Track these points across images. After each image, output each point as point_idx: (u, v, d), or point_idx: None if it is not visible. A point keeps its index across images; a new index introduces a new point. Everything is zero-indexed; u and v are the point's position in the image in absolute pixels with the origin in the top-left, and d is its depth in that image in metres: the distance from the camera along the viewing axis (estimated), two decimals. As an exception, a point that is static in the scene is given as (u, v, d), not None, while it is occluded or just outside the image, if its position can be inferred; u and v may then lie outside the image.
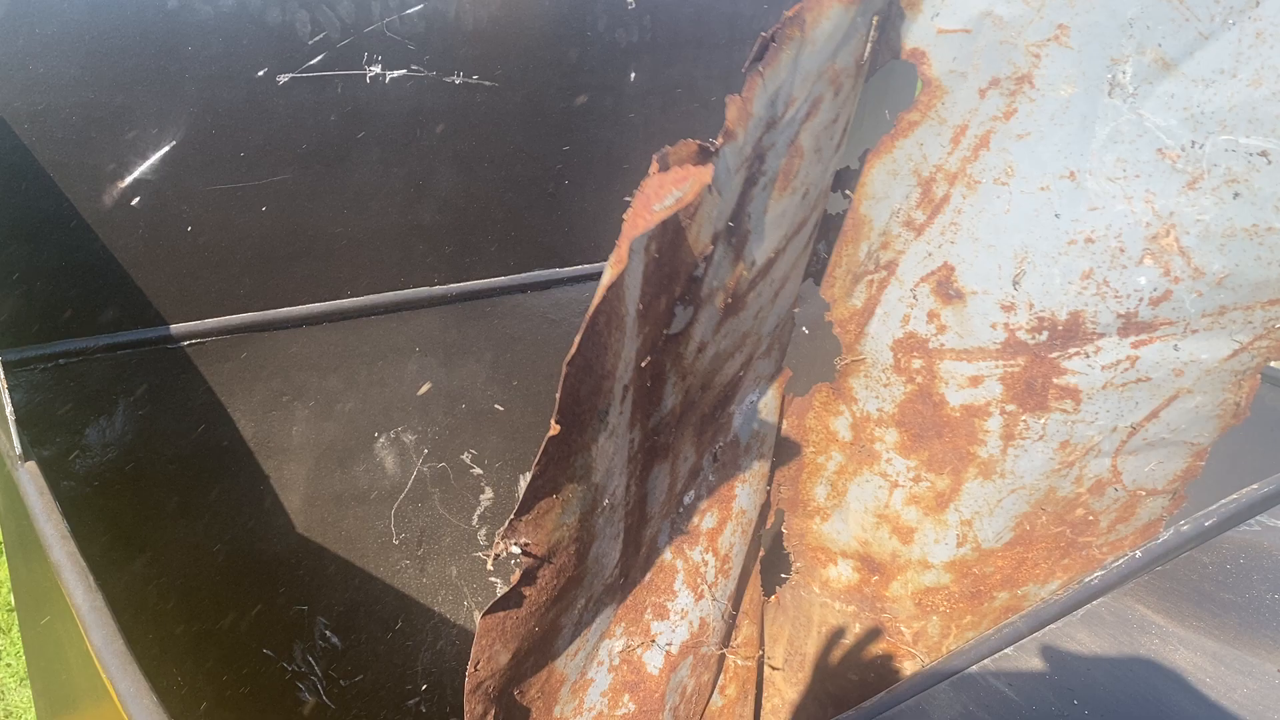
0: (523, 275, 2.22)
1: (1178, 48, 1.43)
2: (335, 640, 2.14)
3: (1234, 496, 1.61)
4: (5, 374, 1.46)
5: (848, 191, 1.76)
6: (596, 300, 1.08)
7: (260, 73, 1.79)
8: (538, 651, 1.54)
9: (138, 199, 1.75)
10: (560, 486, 1.34)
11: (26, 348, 1.71)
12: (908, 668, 2.07)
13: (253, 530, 2.00)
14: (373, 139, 1.95)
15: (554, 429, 1.16)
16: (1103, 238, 1.58)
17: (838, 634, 2.14)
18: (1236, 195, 1.46)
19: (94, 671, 1.10)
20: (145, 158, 1.74)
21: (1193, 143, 1.46)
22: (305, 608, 2.09)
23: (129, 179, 1.73)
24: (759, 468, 2.02)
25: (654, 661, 1.88)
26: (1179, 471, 1.72)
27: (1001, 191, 1.62)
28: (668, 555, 1.90)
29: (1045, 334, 1.68)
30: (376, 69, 1.91)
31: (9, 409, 1.46)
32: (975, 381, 1.79)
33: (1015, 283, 1.68)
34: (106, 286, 1.77)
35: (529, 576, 1.38)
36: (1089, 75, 1.52)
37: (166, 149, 1.75)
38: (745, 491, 2.01)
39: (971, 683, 1.14)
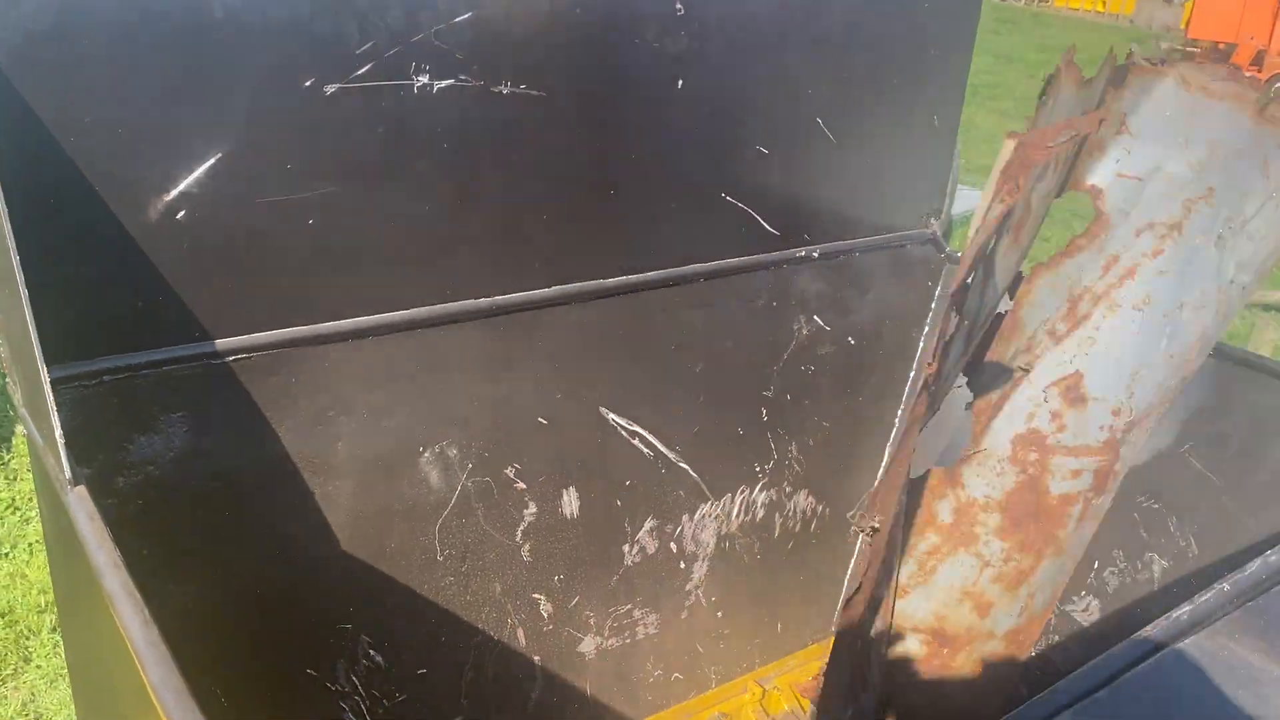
0: (569, 287, 2.18)
1: (1253, 210, 1.81)
2: (378, 659, 2.10)
3: None
4: (52, 392, 1.44)
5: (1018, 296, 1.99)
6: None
7: (308, 83, 1.76)
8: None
9: (183, 212, 1.72)
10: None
11: (70, 364, 1.68)
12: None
13: (297, 547, 1.97)
14: (420, 150, 1.92)
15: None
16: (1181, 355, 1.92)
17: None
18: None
19: (149, 704, 1.07)
20: (191, 171, 1.71)
21: (1232, 282, 1.85)
22: (349, 626, 2.06)
23: (174, 192, 1.70)
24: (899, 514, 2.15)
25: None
26: None
27: (1137, 316, 1.86)
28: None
29: (1131, 432, 1.92)
30: (424, 79, 1.87)
31: (58, 430, 1.43)
32: (1076, 474, 1.97)
33: (1130, 393, 1.90)
34: (151, 301, 1.74)
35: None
36: (1215, 229, 1.81)
37: (212, 161, 1.72)
38: (898, 531, 2.18)
39: (1064, 732, 1.09)
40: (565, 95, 2.03)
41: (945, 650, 2.17)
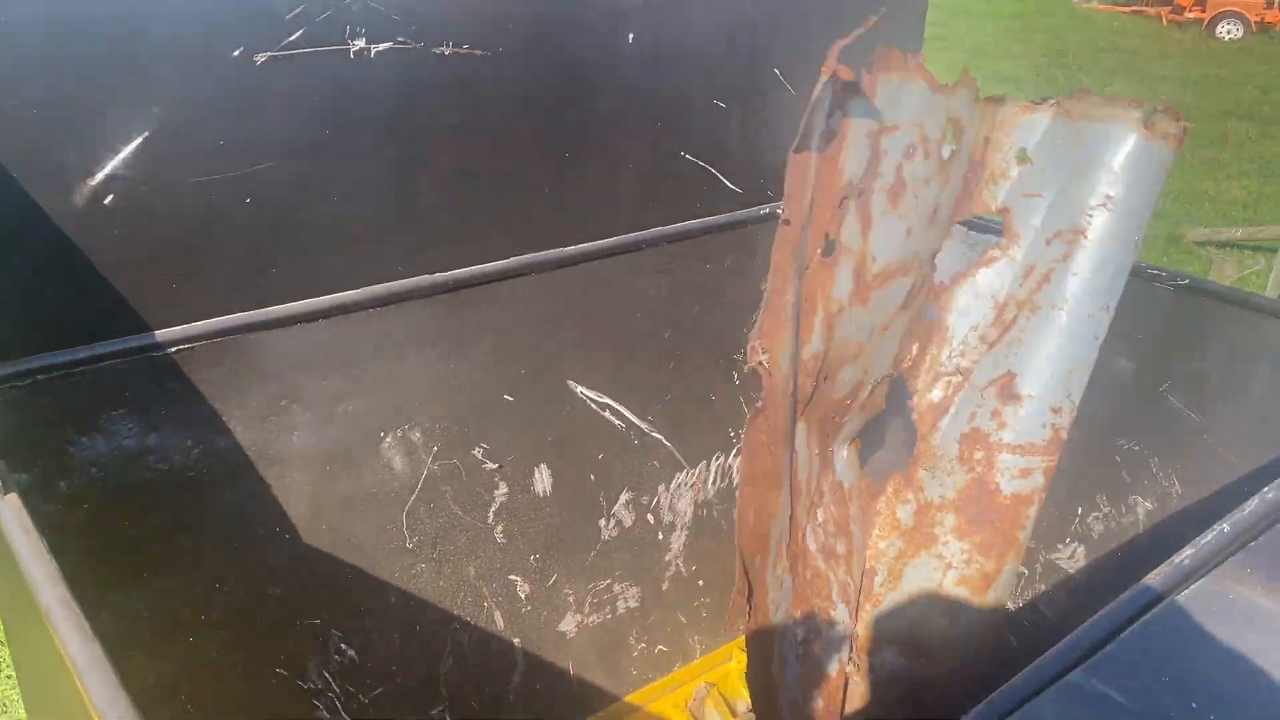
0: (526, 257, 2.09)
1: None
2: (351, 653, 2.03)
3: None
4: (-21, 396, 1.34)
5: (936, 303, 2.18)
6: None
7: (236, 53, 1.65)
8: (762, 548, 1.97)
9: (111, 197, 1.61)
10: (780, 299, 1.81)
11: (-1, 365, 1.58)
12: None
13: (257, 544, 1.88)
14: (361, 119, 1.82)
15: (784, 218, 1.75)
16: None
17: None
18: None
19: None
20: (116, 152, 1.60)
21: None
22: (318, 621, 1.98)
23: (100, 176, 1.60)
24: (860, 517, 2.30)
25: (831, 665, 2.25)
26: None
27: (1059, 317, 2.05)
28: (820, 563, 2.22)
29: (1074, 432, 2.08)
30: (361, 42, 1.77)
31: (-14, 436, 1.33)
32: (1025, 473, 2.12)
33: (1067, 391, 2.05)
34: (83, 294, 1.64)
35: (768, 400, 1.85)
36: (1124, 235, 2.00)
37: (139, 141, 1.61)
38: (859, 535, 2.30)
39: (1075, 691, 1.03)
40: (511, 55, 1.94)
41: (921, 661, 2.27)
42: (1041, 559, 2.39)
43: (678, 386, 2.40)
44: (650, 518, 2.45)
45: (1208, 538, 1.26)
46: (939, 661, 2.25)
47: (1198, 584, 1.19)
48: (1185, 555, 1.23)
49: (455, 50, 1.87)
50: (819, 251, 1.88)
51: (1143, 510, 2.24)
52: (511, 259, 2.07)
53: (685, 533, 2.53)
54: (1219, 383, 2.19)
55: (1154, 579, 1.20)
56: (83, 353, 1.65)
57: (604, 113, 2.11)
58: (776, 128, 2.40)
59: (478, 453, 2.12)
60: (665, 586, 2.54)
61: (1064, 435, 2.08)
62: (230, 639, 1.88)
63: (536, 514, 2.24)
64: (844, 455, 2.24)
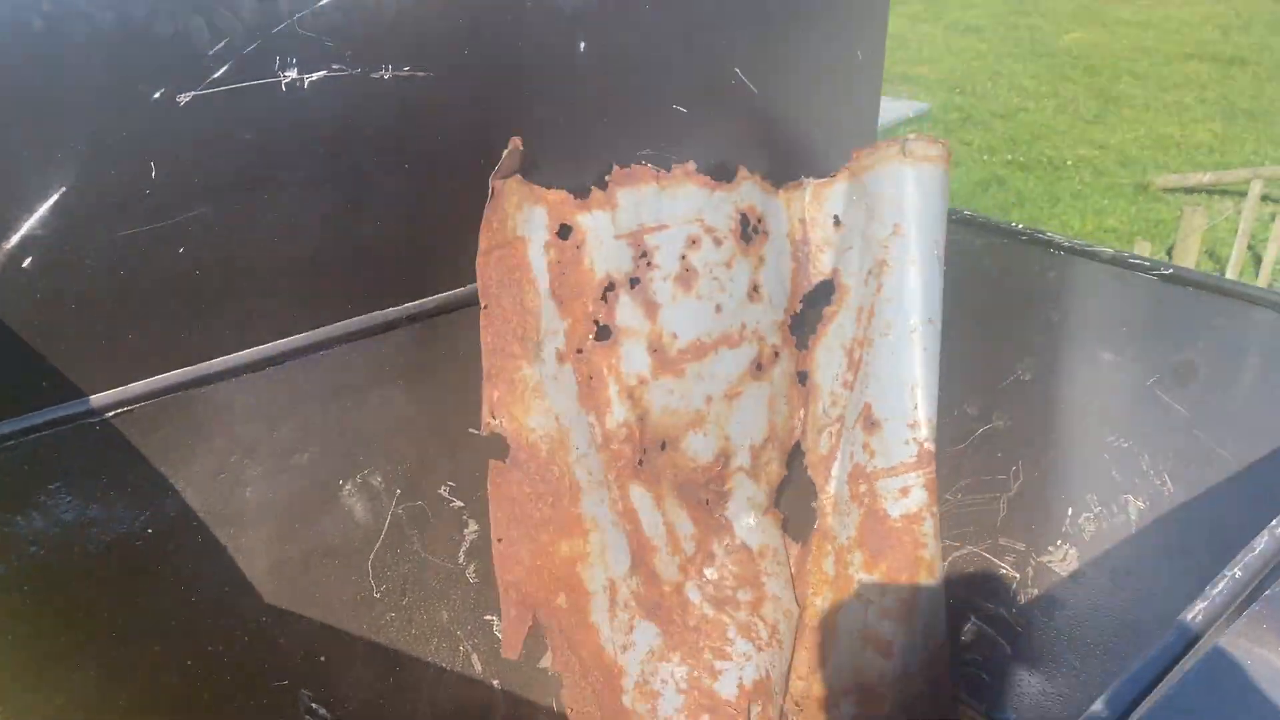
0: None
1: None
2: (324, 713, 1.94)
3: None
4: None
5: (804, 370, 2.42)
6: (485, 219, 1.88)
7: (157, 94, 1.53)
8: (569, 590, 2.08)
9: (30, 259, 1.50)
10: (512, 375, 1.97)
11: (-80, 447, 1.47)
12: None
13: (215, 609, 1.78)
14: (298, 154, 1.70)
15: (482, 304, 1.91)
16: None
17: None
18: None
19: None
20: (32, 210, 1.48)
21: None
22: (285, 683, 1.88)
23: (15, 238, 1.48)
24: (782, 573, 2.43)
25: (727, 691, 2.28)
26: None
27: (886, 342, 2.24)
28: (709, 611, 2.31)
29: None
30: (293, 73, 1.65)
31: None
32: (904, 492, 2.26)
33: (914, 404, 2.22)
34: (4, 364, 1.52)
35: (519, 457, 1.99)
36: (920, 253, 2.20)
37: (56, 197, 1.49)
38: (777, 584, 2.42)
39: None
40: (454, 74, 1.82)
41: (872, 703, 2.37)
42: (1033, 562, 2.33)
43: (650, 404, 2.30)
44: (629, 541, 2.36)
45: (1217, 589, 1.18)
46: (884, 699, 2.36)
47: (1208, 642, 1.11)
48: (1197, 610, 1.16)
49: (395, 73, 1.76)
50: (589, 338, 2.04)
51: (1135, 510, 2.18)
52: (466, 286, 1.97)
53: (666, 553, 2.45)
54: (1208, 375, 2.12)
55: (1165, 639, 1.13)
56: (9, 426, 1.54)
57: (557, 127, 2.00)
58: (739, 129, 2.29)
59: (444, 491, 2.03)
60: (648, 610, 2.46)
61: (929, 447, 2.21)
62: (194, 711, 1.78)
63: (510, 549, 2.15)
64: (750, 522, 2.39)
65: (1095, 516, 2.24)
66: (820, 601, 2.44)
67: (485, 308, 1.91)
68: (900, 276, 2.20)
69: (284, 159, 1.69)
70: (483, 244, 1.88)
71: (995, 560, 2.40)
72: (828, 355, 2.38)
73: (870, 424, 2.26)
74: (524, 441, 1.97)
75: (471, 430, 2.03)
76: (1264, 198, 7.43)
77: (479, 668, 2.14)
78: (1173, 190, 9.62)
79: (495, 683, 2.18)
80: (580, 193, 2.02)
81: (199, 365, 1.70)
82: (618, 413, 2.11)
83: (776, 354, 2.34)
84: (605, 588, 2.12)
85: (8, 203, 1.46)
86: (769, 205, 2.29)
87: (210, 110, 1.59)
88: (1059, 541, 2.29)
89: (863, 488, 2.28)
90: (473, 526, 2.08)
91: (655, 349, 2.14)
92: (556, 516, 2.02)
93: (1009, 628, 2.36)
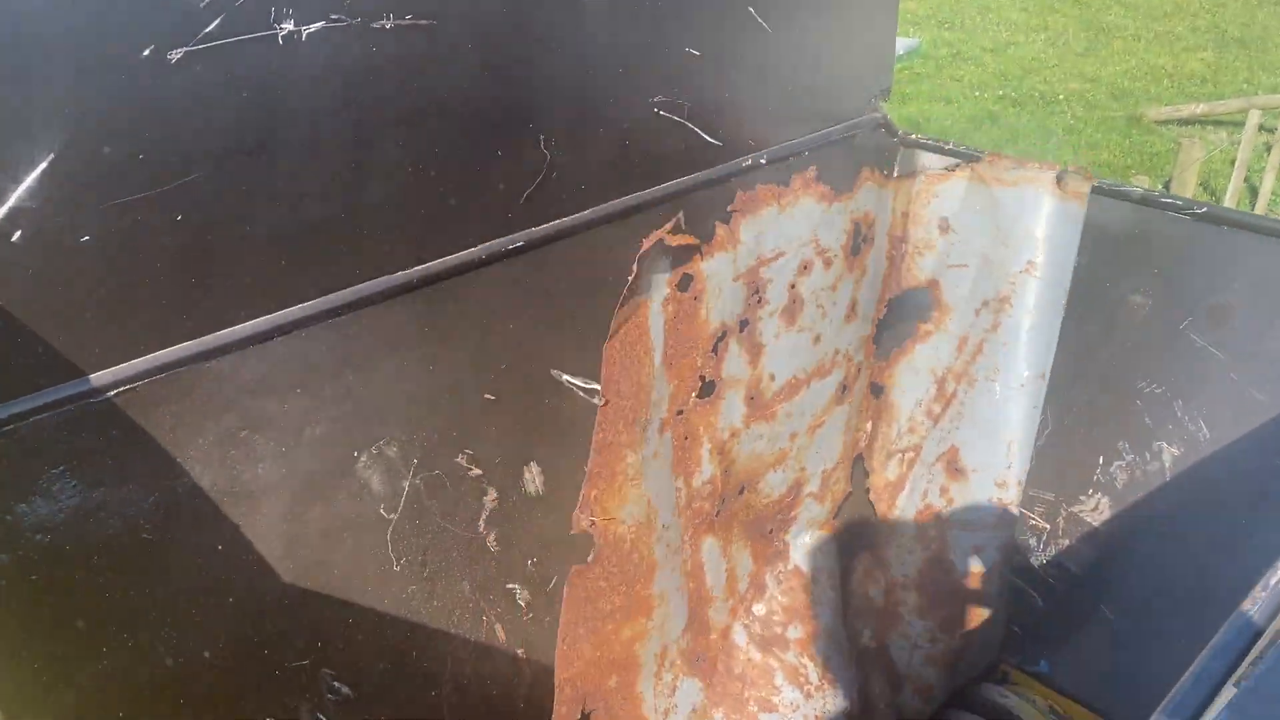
0: (496, 243, 1.90)
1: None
2: (345, 690, 1.88)
3: None
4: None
5: (881, 382, 2.24)
6: (622, 300, 1.74)
7: (146, 52, 1.43)
8: (621, 669, 1.97)
9: (19, 233, 1.40)
10: (615, 467, 1.88)
11: (-85, 435, 1.38)
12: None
13: (230, 590, 1.71)
14: (296, 112, 1.61)
15: (602, 400, 1.78)
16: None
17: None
18: None
19: None
20: (18, 181, 1.38)
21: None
22: (306, 662, 1.82)
23: (3, 210, 1.38)
24: (833, 600, 2.28)
25: None
26: None
27: (991, 387, 2.09)
28: (755, 655, 2.17)
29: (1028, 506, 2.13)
30: (289, 25, 1.55)
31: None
32: (978, 550, 2.15)
33: (1008, 463, 2.09)
34: (1, 343, 1.43)
35: (603, 553, 1.90)
36: (1050, 299, 2.04)
37: (44, 165, 1.40)
38: (826, 614, 2.29)
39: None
40: (460, 21, 1.72)
41: None
42: (1064, 512, 2.28)
43: (668, 361, 2.23)
44: (650, 503, 2.30)
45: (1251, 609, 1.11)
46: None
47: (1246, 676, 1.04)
48: (1257, 602, 1.09)
49: (397, 22, 1.65)
50: (692, 396, 1.94)
51: (1169, 457, 2.13)
52: (480, 246, 1.88)
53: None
54: (1244, 316, 2.06)
55: (1195, 667, 1.05)
56: (6, 410, 1.45)
57: (568, 74, 1.90)
58: (754, 71, 2.19)
59: (462, 460, 1.96)
60: (670, 571, 2.41)
61: (1014, 510, 2.12)
62: (211, 694, 1.73)
63: (530, 516, 2.09)
64: (807, 541, 2.24)
65: (1127, 465, 2.19)
66: (863, 627, 2.34)
67: (606, 403, 1.83)
68: (1021, 320, 2.04)
69: (283, 118, 1.59)
70: (613, 326, 1.79)
71: (1025, 511, 2.35)
72: (913, 377, 2.20)
73: (955, 470, 2.13)
74: (611, 536, 1.89)
75: (488, 396, 1.95)
76: (1260, 127, 7.34)
77: (503, 638, 2.09)
78: (1165, 122, 9.51)
79: (520, 652, 2.13)
80: (705, 236, 1.95)
81: (203, 338, 1.61)
82: (706, 470, 1.99)
83: (859, 370, 2.21)
84: (657, 655, 2.03)
85: (-7, 173, 1.36)
86: (881, 203, 2.11)
87: (203, 67, 1.49)
88: (1090, 491, 2.24)
89: (932, 532, 2.17)
90: (492, 494, 2.02)
91: (752, 396, 2.03)
92: (627, 603, 1.94)
93: (1040, 579, 2.32)
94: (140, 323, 1.55)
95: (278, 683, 1.79)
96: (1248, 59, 10.73)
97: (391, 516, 1.89)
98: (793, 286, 2.02)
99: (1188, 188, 7.03)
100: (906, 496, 2.19)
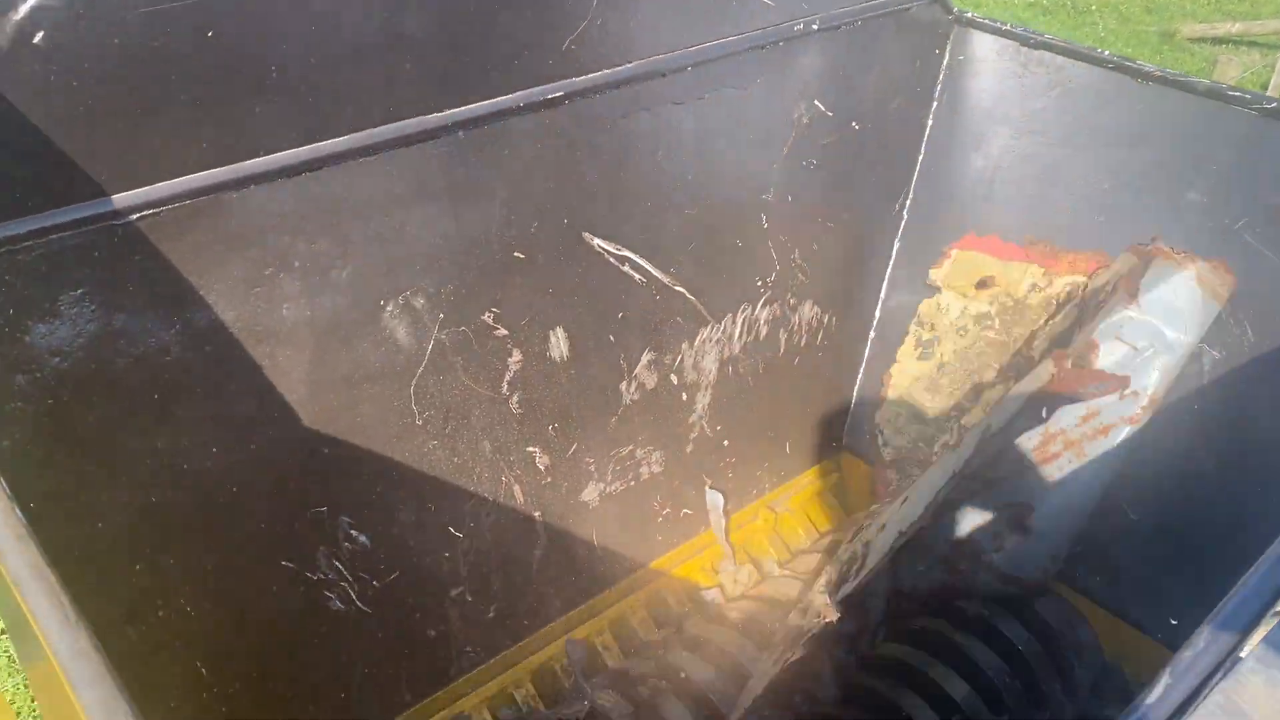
0: (534, 90, 1.81)
1: None
2: (363, 539, 1.86)
3: None
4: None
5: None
6: None
7: None
8: None
9: (41, 34, 1.32)
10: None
11: (-70, 246, 1.32)
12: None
13: (250, 431, 1.67)
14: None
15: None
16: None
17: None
18: None
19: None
20: (41, -25, 1.29)
21: None
22: (324, 509, 1.80)
23: (24, 8, 1.29)
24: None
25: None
26: None
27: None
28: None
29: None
30: None
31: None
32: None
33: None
34: (20, 155, 1.36)
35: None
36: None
37: (68, -40, 1.30)
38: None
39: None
40: None
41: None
42: (1095, 411, 2.24)
43: (701, 234, 2.16)
44: (673, 378, 2.26)
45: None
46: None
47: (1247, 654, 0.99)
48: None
49: None
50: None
51: (1209, 359, 2.07)
52: (518, 93, 1.79)
53: (710, 392, 2.34)
54: (1302, 218, 1.99)
55: (1199, 640, 1.00)
56: (27, 225, 1.39)
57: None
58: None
59: (488, 318, 1.90)
60: (689, 449, 2.37)
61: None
62: (228, 535, 1.70)
63: (554, 381, 2.04)
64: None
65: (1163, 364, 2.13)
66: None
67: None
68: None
69: (322, -67, 1.49)
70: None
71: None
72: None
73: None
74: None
75: (518, 254, 1.89)
76: (1299, 51, 7.10)
77: (520, 499, 2.06)
78: (1199, 40, 9.22)
79: (537, 514, 2.10)
80: None
81: (229, 167, 1.53)
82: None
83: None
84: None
85: (15, -34, 1.27)
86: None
87: None
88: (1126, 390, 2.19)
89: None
90: (516, 356, 1.96)
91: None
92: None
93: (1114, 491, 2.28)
94: (166, 145, 1.47)
95: (295, 527, 1.77)
96: (1291, -20, 10.39)
97: (416, 370, 1.84)
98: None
99: (1221, 109, 6.84)
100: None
